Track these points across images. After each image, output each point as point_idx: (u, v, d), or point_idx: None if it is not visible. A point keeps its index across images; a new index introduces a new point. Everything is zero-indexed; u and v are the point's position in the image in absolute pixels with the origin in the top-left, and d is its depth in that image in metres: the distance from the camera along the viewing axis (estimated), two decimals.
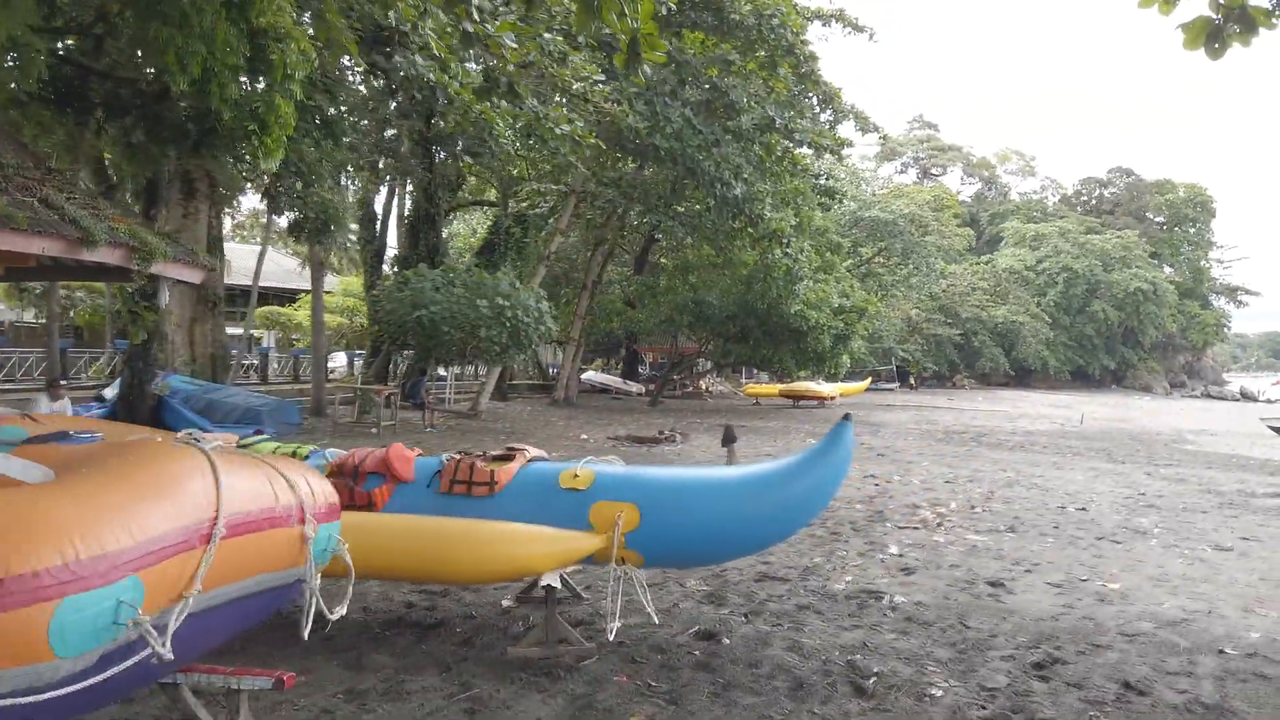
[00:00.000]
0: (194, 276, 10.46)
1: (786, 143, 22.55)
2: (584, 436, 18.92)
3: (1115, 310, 69.92)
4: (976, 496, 11.24)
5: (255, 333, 36.86)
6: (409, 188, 26.11)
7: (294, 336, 38.20)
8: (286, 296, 39.28)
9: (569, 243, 34.84)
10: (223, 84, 9.15)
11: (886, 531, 8.61)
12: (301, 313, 35.21)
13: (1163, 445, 22.68)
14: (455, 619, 5.43)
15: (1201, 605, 6.32)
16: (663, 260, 34.95)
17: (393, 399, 18.39)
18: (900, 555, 7.54)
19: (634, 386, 38.06)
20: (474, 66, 13.33)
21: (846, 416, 4.89)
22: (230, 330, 38.85)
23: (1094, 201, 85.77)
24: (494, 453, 5.24)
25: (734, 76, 21.07)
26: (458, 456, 5.04)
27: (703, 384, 42.49)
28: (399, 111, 17.68)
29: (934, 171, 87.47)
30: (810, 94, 25.52)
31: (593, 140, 14.79)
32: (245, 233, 46.02)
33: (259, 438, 5.71)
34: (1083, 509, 10.63)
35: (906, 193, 61.98)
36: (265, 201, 14.84)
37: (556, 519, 4.72)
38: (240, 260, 36.71)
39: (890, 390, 54.26)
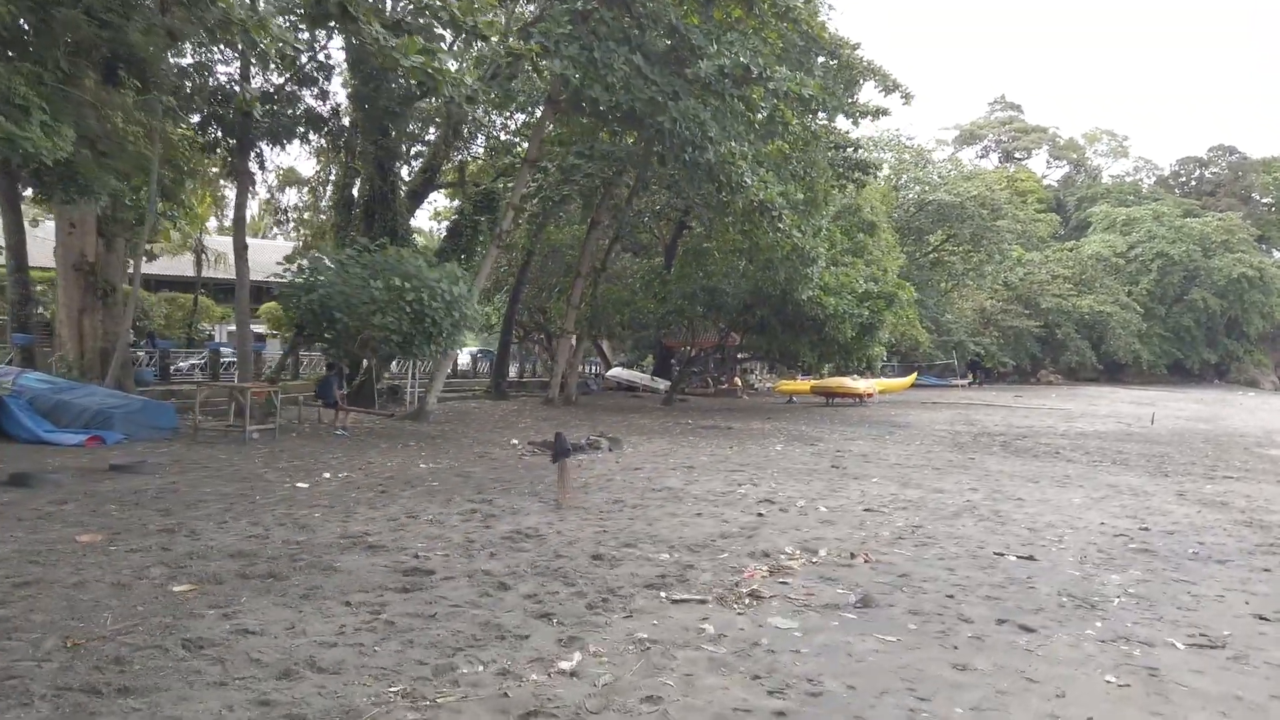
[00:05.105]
0: None
1: (775, 100, 19.03)
2: (514, 442, 16.06)
3: (1216, 299, 64.01)
4: (884, 535, 7.82)
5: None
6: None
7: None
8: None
9: (580, 229, 31.93)
10: None
11: (631, 612, 5.30)
12: None
13: (1240, 450, 18.66)
14: None
15: None
16: (683, 247, 31.70)
17: (265, 398, 15.72)
18: (574, 675, 4.26)
19: (662, 384, 35.36)
20: None
21: None
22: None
23: (1193, 183, 79.26)
24: None
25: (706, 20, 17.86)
26: None
27: (738, 380, 39.18)
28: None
29: (1017, 155, 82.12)
30: (806, 42, 21.94)
31: (455, 74, 11.85)
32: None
33: None
34: (1029, 557, 7.17)
35: (978, 175, 57.62)
36: None
37: None
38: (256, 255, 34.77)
39: (954, 387, 49.80)
